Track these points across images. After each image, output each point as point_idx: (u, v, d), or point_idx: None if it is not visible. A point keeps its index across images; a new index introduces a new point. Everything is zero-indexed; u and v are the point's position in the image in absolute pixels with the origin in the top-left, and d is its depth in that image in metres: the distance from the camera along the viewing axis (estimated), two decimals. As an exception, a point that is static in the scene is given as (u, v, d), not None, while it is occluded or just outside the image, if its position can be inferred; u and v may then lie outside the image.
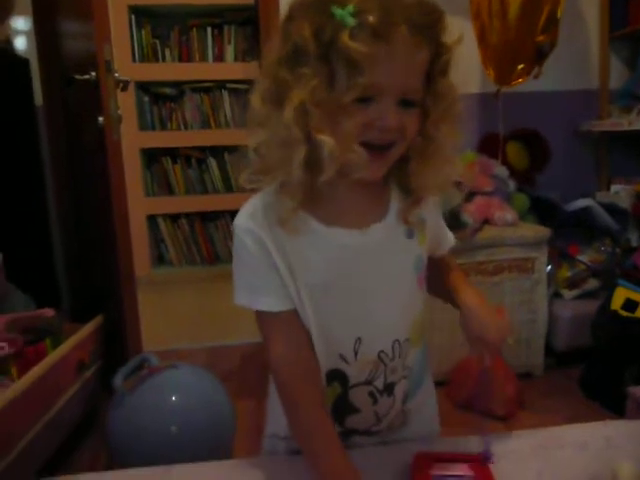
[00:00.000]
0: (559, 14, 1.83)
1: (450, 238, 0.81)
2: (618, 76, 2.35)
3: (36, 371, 1.35)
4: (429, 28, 0.60)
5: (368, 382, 0.72)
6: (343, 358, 0.70)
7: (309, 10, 0.59)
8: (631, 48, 2.33)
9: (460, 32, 0.63)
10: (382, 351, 0.71)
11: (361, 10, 0.56)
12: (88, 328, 1.65)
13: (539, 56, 1.85)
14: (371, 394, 0.73)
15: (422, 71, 0.62)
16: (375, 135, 0.61)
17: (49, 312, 1.59)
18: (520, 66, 1.89)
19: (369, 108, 0.60)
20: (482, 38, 1.93)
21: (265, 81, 0.62)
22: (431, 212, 0.74)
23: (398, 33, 0.57)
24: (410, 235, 0.71)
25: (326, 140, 0.59)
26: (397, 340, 0.72)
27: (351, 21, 0.56)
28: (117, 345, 1.83)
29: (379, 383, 0.72)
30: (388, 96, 0.60)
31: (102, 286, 1.94)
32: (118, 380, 1.43)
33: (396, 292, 0.70)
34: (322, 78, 0.58)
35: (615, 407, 1.52)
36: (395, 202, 0.70)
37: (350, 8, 0.56)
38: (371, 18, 0.56)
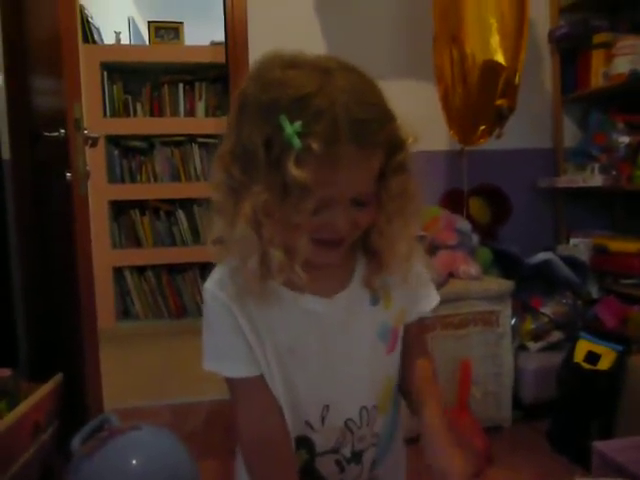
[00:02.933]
0: (517, 81, 1.94)
1: (426, 304, 0.76)
2: (572, 136, 2.48)
3: (-11, 436, 1.28)
4: (379, 141, 0.59)
5: (335, 450, 0.71)
6: (310, 425, 0.70)
7: (259, 113, 0.58)
8: (582, 110, 2.47)
9: (415, 134, 0.63)
10: (349, 419, 0.70)
11: (308, 132, 0.55)
12: (46, 388, 1.59)
13: (499, 118, 1.94)
14: (338, 462, 0.72)
15: (374, 174, 0.61)
16: (327, 235, 0.61)
17: (5, 372, 1.52)
18: (482, 127, 1.98)
19: (320, 215, 0.59)
20: (446, 100, 2.02)
21: (219, 173, 0.62)
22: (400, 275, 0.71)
23: (346, 153, 0.56)
24: (375, 302, 0.71)
25: (276, 254, 0.59)
26: (364, 407, 0.71)
27: (297, 144, 0.54)
28: (77, 405, 1.76)
29: (346, 451, 0.72)
30: (339, 203, 0.59)
31: (63, 342, 1.88)
32: (76, 443, 1.37)
33: (362, 359, 0.70)
34: (274, 190, 0.57)
35: (582, 461, 1.52)
36: (360, 267, 0.70)
37: (297, 127, 0.54)
38: (316, 145, 0.54)
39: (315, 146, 0.54)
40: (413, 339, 0.77)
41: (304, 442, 0.70)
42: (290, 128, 0.55)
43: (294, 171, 0.55)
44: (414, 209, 0.66)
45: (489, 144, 2.11)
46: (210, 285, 0.68)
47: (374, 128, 0.58)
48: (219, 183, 0.62)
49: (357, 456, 0.72)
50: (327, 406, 0.69)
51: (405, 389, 0.76)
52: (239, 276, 0.65)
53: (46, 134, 1.74)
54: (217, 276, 0.68)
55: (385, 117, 0.60)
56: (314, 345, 0.68)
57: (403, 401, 0.79)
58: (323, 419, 0.69)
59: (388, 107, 0.61)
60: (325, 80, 0.57)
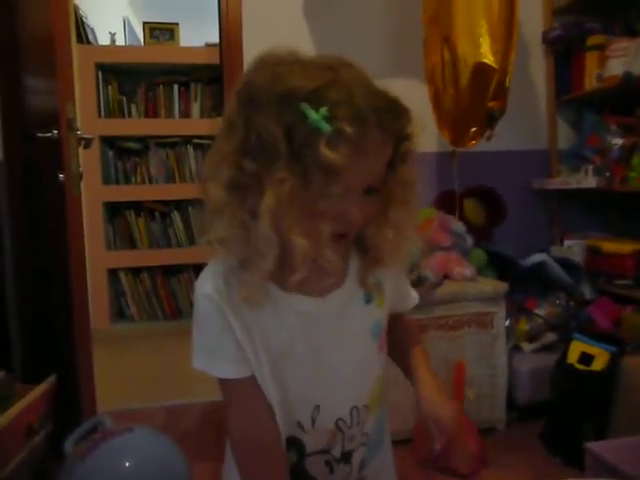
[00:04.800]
0: (507, 84, 1.94)
1: (413, 298, 0.80)
2: (566, 138, 2.49)
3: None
4: (397, 129, 0.61)
5: (325, 451, 0.71)
6: (300, 426, 0.70)
7: (275, 103, 0.57)
8: (575, 112, 2.48)
9: (421, 123, 0.64)
10: (340, 419, 0.70)
11: (335, 116, 0.55)
12: (39, 390, 1.58)
13: (490, 120, 1.95)
14: (327, 463, 0.72)
15: (386, 162, 0.62)
16: (341, 227, 0.61)
17: (-2, 374, 1.52)
18: (473, 129, 1.99)
19: (338, 203, 0.59)
20: (436, 102, 2.02)
21: (227, 170, 0.60)
22: (390, 271, 0.73)
23: (370, 138, 0.57)
24: (368, 300, 0.71)
25: (300, 243, 0.58)
26: (355, 407, 0.71)
27: (327, 127, 0.54)
28: (70, 407, 1.75)
29: (336, 452, 0.71)
30: (356, 191, 0.60)
31: (57, 344, 1.87)
32: (69, 445, 1.37)
33: (354, 358, 0.70)
34: (296, 180, 0.56)
35: (576, 462, 1.52)
36: (354, 265, 0.70)
37: (323, 111, 0.55)
38: (348, 128, 0.55)
39: (348, 129, 0.55)
40: (402, 327, 0.81)
41: (294, 443, 0.70)
42: (315, 114, 0.55)
43: (328, 154, 0.54)
44: (416, 199, 0.67)
45: (484, 146, 2.11)
46: (202, 284, 0.67)
47: (393, 115, 0.60)
48: (226, 182, 0.60)
49: (347, 456, 0.72)
50: (317, 407, 0.69)
51: (392, 348, 0.79)
52: (234, 275, 0.64)
53: (39, 135, 1.73)
54: (209, 275, 0.67)
55: (404, 112, 0.62)
56: (306, 346, 0.68)
57: (390, 404, 0.80)
58: (313, 420, 0.69)
59: (402, 102, 0.63)
60: (334, 74, 0.58)
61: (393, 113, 0.60)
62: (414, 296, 0.81)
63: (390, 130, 0.59)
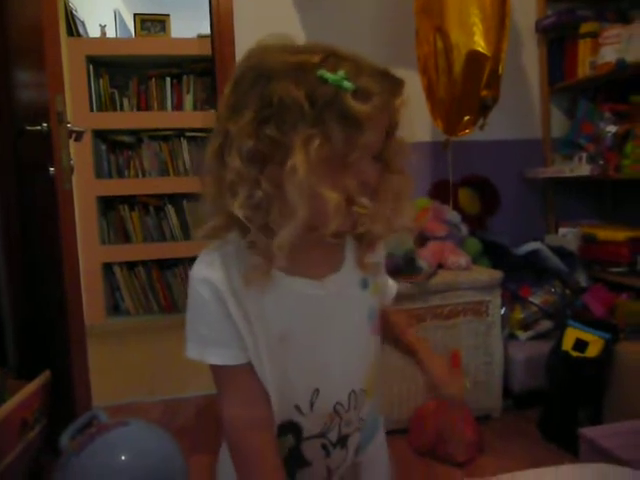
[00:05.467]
0: (500, 71, 1.94)
1: (393, 287, 0.83)
2: (560, 126, 2.49)
3: (-25, 434, 1.27)
4: (398, 94, 0.64)
5: (322, 434, 0.71)
6: (298, 409, 0.69)
7: (292, 72, 0.60)
8: (569, 100, 2.48)
9: (406, 95, 0.66)
10: (338, 402, 0.70)
11: (351, 77, 0.59)
12: (33, 385, 1.57)
13: (483, 109, 1.94)
14: (324, 446, 0.71)
15: (385, 130, 0.65)
16: (356, 189, 0.62)
17: (-8, 369, 1.51)
18: (466, 118, 1.98)
19: (358, 161, 0.61)
20: (430, 92, 2.01)
21: (246, 141, 0.60)
22: (381, 259, 0.76)
23: (381, 95, 0.60)
24: (364, 285, 0.72)
25: (332, 195, 0.59)
26: (353, 391, 0.72)
27: (349, 85, 0.58)
28: (65, 402, 1.75)
29: (333, 435, 0.71)
30: (370, 154, 0.63)
31: (51, 339, 1.87)
32: (64, 440, 1.37)
33: (352, 342, 0.71)
34: (322, 137, 0.58)
35: (572, 449, 1.53)
36: (350, 250, 0.71)
37: (342, 74, 0.59)
38: (366, 82, 0.59)
39: (369, 84, 0.59)
40: (395, 321, 0.82)
41: (292, 427, 0.70)
42: (334, 76, 0.58)
43: (356, 105, 0.58)
44: (408, 164, 0.69)
45: (478, 135, 2.11)
46: (198, 270, 0.66)
47: (395, 81, 0.64)
48: (247, 153, 0.60)
49: (343, 440, 0.72)
50: (317, 390, 0.69)
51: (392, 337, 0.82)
52: (233, 259, 0.65)
53: (29, 128, 1.72)
54: (207, 260, 0.66)
55: (395, 76, 0.65)
56: (306, 329, 0.67)
57: (387, 394, 0.80)
58: (312, 404, 0.69)
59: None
60: (334, 49, 0.62)
61: (395, 79, 0.64)
62: (393, 287, 0.83)
63: (389, 90, 0.62)
